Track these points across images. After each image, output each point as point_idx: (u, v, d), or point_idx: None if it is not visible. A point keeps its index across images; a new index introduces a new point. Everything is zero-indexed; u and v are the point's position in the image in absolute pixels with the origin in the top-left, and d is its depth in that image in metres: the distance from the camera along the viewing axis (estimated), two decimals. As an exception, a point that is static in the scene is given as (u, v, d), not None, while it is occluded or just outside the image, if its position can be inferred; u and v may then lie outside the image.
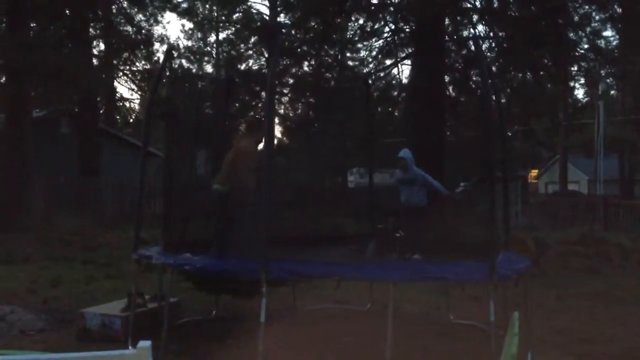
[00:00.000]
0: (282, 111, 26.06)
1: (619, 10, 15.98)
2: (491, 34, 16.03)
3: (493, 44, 16.20)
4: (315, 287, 9.10)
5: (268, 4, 29.34)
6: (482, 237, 6.04)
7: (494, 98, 7.54)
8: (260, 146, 6.79)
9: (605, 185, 30.73)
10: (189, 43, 40.09)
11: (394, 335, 5.01)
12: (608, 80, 23.29)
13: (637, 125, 34.57)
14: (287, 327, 6.81)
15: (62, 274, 10.36)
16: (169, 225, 7.29)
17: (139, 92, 29.52)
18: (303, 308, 8.15)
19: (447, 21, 15.52)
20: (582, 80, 21.53)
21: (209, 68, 39.08)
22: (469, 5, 16.12)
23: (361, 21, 17.15)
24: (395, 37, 16.72)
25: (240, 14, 31.37)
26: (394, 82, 19.76)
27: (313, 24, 16.40)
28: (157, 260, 6.09)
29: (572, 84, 20.77)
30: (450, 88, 16.59)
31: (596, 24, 15.77)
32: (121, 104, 33.47)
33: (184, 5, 28.20)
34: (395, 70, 19.59)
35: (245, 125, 7.52)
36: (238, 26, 30.83)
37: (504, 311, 5.71)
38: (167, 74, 8.08)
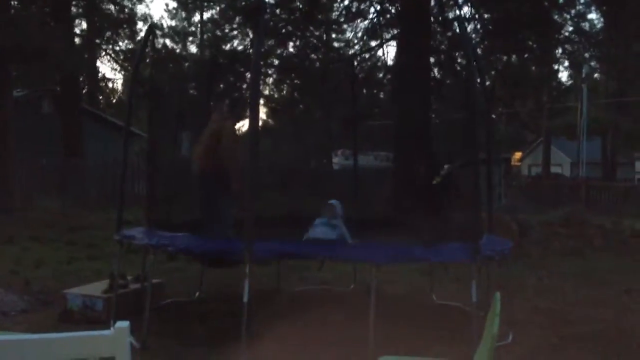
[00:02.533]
0: (267, 92, 25.93)
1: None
2: (476, 16, 16.00)
3: (478, 26, 16.17)
4: (299, 268, 9.12)
5: (253, -16, 28.99)
6: (466, 219, 6.06)
7: (478, 80, 7.54)
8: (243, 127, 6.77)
9: (587, 168, 31.10)
10: (173, 23, 39.82)
11: (377, 315, 5.02)
12: (592, 63, 23.41)
13: (620, 108, 34.81)
14: (271, 307, 6.83)
15: (45, 255, 10.30)
16: (153, 206, 7.25)
17: (122, 72, 29.32)
18: (286, 289, 8.17)
19: (432, 2, 15.45)
20: (567, 63, 21.61)
21: (193, 48, 38.81)
22: (454, -13, 16.08)
23: (346, 1, 17.05)
24: (381, 18, 16.65)
25: (225, -7, 31.02)
26: (379, 63, 19.72)
27: (298, 3, 16.28)
28: (140, 241, 6.06)
29: (556, 66, 20.85)
30: (436, 70, 16.56)
31: (581, 7, 15.82)
32: (104, 84, 33.19)
33: (168, -17, 27.86)
34: (380, 52, 19.55)
35: (229, 105, 7.40)
36: (223, 5, 30.51)
37: (487, 292, 5.75)
38: (151, 54, 7.99)
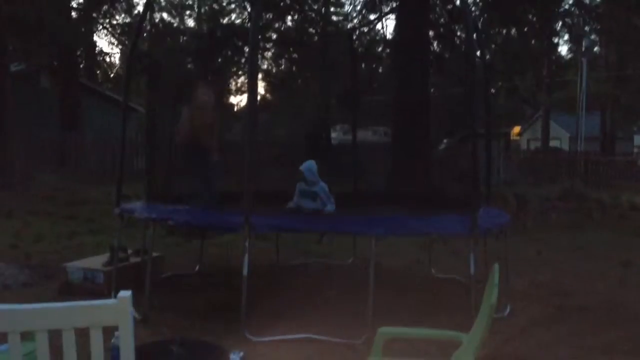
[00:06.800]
0: (265, 67, 25.79)
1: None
2: (477, -12, 15.89)
3: (478, -1, 16.06)
4: (298, 242, 9.16)
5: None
6: (464, 192, 6.07)
7: (478, 54, 7.51)
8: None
9: (586, 142, 31.04)
10: (170, -4, 39.36)
11: (376, 288, 5.06)
12: (592, 37, 23.28)
13: (619, 82, 34.64)
14: (270, 280, 6.88)
15: (45, 230, 10.33)
16: (152, 180, 7.26)
17: (119, 46, 29.08)
18: (286, 263, 8.22)
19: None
20: (566, 37, 21.51)
21: (190, 22, 38.51)
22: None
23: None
24: (380, -9, 16.53)
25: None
26: (378, 37, 19.61)
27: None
28: (140, 215, 6.08)
29: (556, 40, 20.76)
30: (435, 43, 16.45)
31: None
32: (101, 58, 32.94)
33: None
34: (379, 26, 19.42)
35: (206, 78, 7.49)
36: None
37: (485, 265, 5.79)
38: (148, 27, 7.96)
